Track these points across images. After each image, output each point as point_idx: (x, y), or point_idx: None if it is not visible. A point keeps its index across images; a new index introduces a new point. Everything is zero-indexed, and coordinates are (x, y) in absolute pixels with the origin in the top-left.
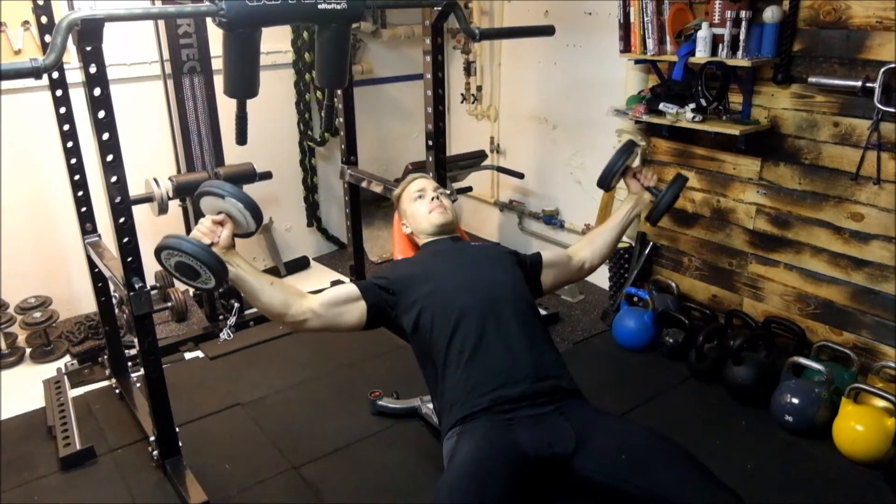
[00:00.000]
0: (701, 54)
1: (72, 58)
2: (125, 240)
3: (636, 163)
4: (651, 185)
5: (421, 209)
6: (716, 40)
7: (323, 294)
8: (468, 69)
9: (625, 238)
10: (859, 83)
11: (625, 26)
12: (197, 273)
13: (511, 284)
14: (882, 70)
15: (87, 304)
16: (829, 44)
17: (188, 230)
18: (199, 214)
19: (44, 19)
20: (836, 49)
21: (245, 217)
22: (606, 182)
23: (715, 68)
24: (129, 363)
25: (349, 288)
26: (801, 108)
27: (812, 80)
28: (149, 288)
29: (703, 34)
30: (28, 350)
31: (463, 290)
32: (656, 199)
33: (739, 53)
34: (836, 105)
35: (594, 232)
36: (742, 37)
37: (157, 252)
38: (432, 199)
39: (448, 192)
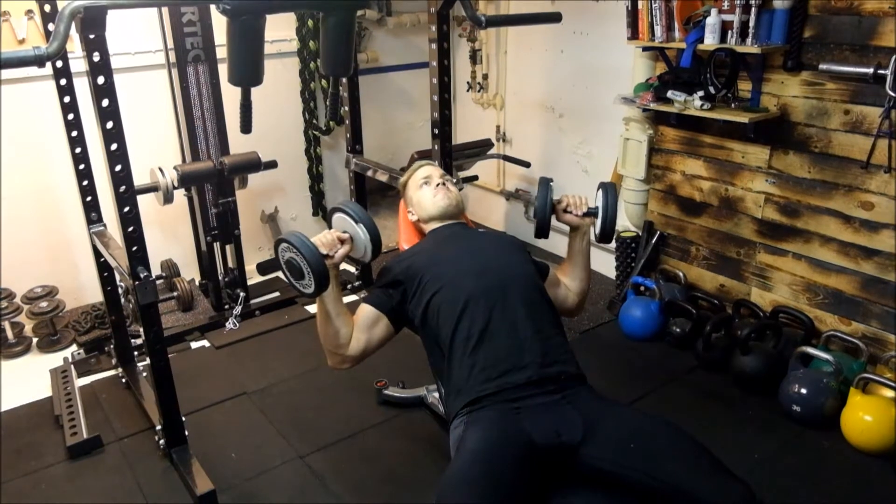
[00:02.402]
0: (710, 41)
1: (76, 46)
2: (130, 229)
3: (558, 199)
4: (585, 210)
5: (426, 195)
6: (725, 27)
7: (356, 328)
8: (474, 57)
9: (632, 227)
10: (871, 70)
11: (632, 13)
12: (302, 276)
13: (519, 269)
14: (894, 57)
15: (94, 293)
16: (841, 30)
17: (193, 220)
18: (204, 204)
19: (47, 7)
20: (848, 35)
21: (366, 247)
22: (545, 231)
23: (724, 55)
24: (136, 352)
25: (368, 309)
26: (811, 96)
27: (823, 67)
28: (154, 277)
29: (711, 21)
30: (35, 339)
31: (470, 276)
32: (597, 218)
33: (749, 40)
34: (846, 92)
35: (564, 272)
36: (752, 23)
37: (279, 242)
38: (437, 185)
39: (454, 180)
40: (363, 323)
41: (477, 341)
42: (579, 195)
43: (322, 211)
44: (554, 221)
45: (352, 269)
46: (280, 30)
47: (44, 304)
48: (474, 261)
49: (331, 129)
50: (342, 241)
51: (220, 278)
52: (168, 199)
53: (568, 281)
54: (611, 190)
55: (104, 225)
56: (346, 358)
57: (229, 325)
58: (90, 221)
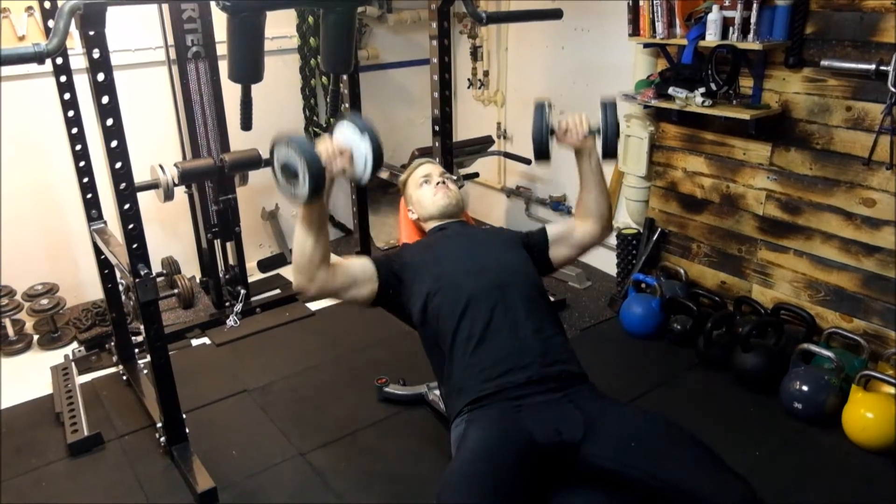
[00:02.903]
0: (711, 38)
1: (76, 43)
2: (130, 226)
3: (558, 120)
4: (586, 131)
5: (426, 193)
6: (726, 23)
7: (343, 261)
8: (475, 54)
9: (633, 224)
10: (873, 66)
11: (634, 9)
12: (295, 180)
13: (519, 269)
14: None
15: (94, 290)
16: (843, 26)
17: (194, 217)
18: (204, 201)
19: (47, 4)
20: (850, 32)
21: (366, 165)
22: (544, 153)
23: (725, 52)
24: (136, 350)
25: (366, 264)
26: (812, 92)
27: (824, 63)
28: (154, 275)
29: (713, 17)
30: (35, 337)
31: (470, 275)
32: (600, 136)
33: (750, 36)
34: (848, 89)
35: (580, 201)
36: (753, 19)
37: (278, 141)
38: (438, 183)
39: (455, 177)
40: (353, 270)
41: (478, 341)
42: (579, 114)
43: None
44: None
45: None
46: (280, 26)
47: (44, 301)
48: (474, 261)
49: (332, 126)
50: (342, 156)
51: (221, 275)
52: (168, 196)
53: (587, 211)
54: (610, 106)
55: (105, 222)
56: (312, 282)
57: (230, 322)
58: (90, 218)
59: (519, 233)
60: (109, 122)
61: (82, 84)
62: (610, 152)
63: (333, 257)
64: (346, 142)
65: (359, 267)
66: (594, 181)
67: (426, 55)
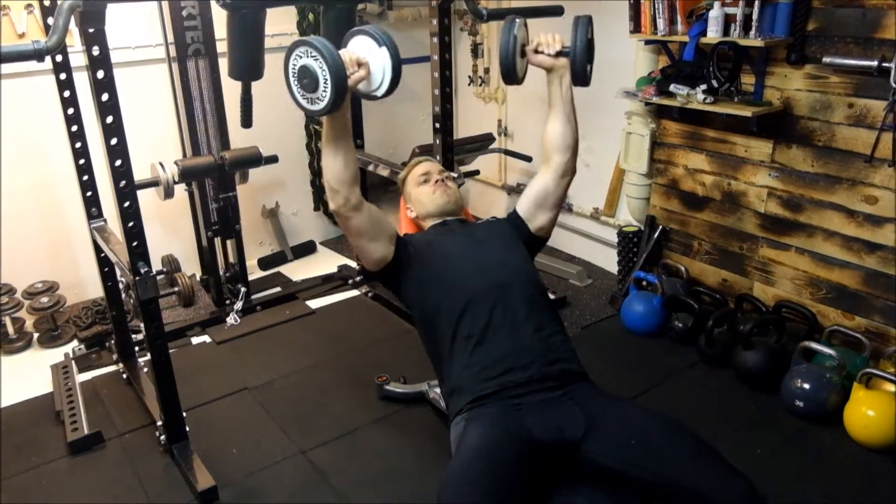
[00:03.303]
0: (712, 34)
1: (76, 41)
2: (130, 224)
3: (529, 38)
4: (558, 49)
5: (425, 191)
6: (728, 20)
7: (376, 209)
8: (475, 51)
9: (634, 222)
10: (875, 63)
11: (635, 6)
12: (315, 87)
13: (519, 268)
14: None
15: (94, 288)
16: (845, 23)
17: (194, 215)
18: (204, 199)
19: (46, 2)
20: (852, 28)
21: (384, 77)
22: (512, 73)
23: (727, 49)
24: (136, 348)
25: (392, 226)
26: (814, 89)
27: (826, 60)
28: (155, 273)
29: (714, 14)
30: (35, 335)
31: (470, 275)
32: (571, 56)
33: (752, 33)
34: (850, 86)
35: (545, 136)
36: (755, 16)
37: (297, 44)
38: (437, 181)
39: (455, 175)
40: (381, 219)
41: (478, 340)
42: (553, 34)
43: (324, 206)
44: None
45: (353, 263)
46: (280, 24)
47: (44, 299)
48: (474, 260)
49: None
50: (359, 67)
51: (221, 273)
52: (168, 194)
53: (553, 145)
54: (581, 21)
55: (105, 220)
56: (347, 202)
57: (230, 320)
58: (90, 216)
59: (509, 220)
60: (109, 119)
61: (82, 81)
62: (578, 73)
63: (378, 211)
64: (364, 55)
65: (386, 222)
66: (562, 108)
67: (427, 52)
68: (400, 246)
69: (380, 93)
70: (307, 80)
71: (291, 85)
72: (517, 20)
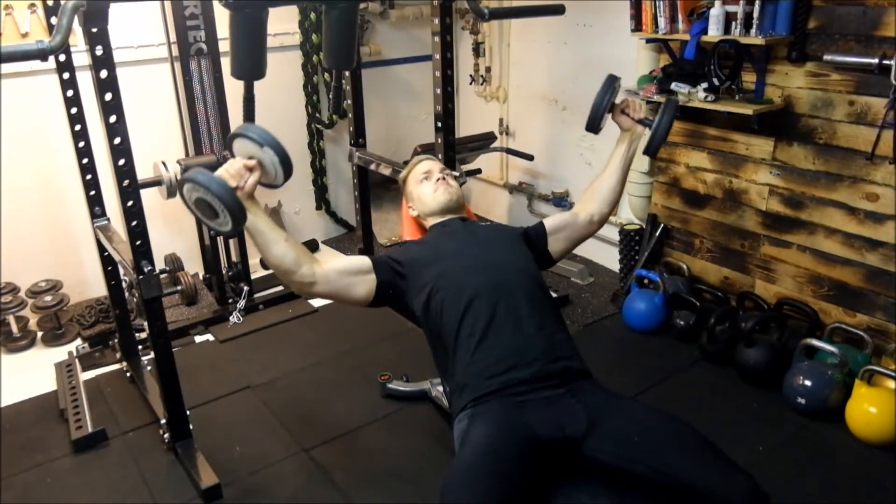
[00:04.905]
0: (713, 32)
1: (79, 40)
2: (134, 223)
3: (619, 98)
4: (642, 116)
5: (426, 190)
6: (729, 18)
7: (336, 261)
8: (477, 50)
9: (635, 220)
10: (876, 61)
11: (636, 4)
12: (216, 214)
13: (521, 265)
14: None
15: (98, 287)
16: (845, 21)
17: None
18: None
19: (50, 1)
20: (853, 26)
21: (276, 170)
22: (596, 124)
23: (728, 47)
24: (140, 346)
25: (363, 261)
26: (815, 87)
27: (827, 57)
28: (158, 271)
29: (715, 12)
30: (39, 333)
31: (473, 272)
32: (651, 129)
33: (753, 31)
34: (851, 83)
35: (596, 182)
36: (756, 14)
37: (182, 183)
38: (438, 179)
39: (456, 173)
40: (348, 268)
41: (480, 338)
42: (642, 101)
43: (326, 204)
44: None
45: None
46: (283, 23)
47: (48, 298)
48: (476, 258)
49: (334, 123)
50: (250, 169)
51: (224, 272)
52: (171, 192)
53: (599, 194)
54: (670, 105)
55: (108, 219)
56: (304, 284)
57: (233, 318)
58: (94, 216)
59: (519, 228)
60: (112, 118)
61: (85, 81)
62: (654, 147)
63: (336, 262)
64: (250, 155)
65: (354, 264)
66: (620, 168)
67: (428, 51)
68: (382, 270)
69: (278, 182)
70: (206, 210)
71: (198, 215)
72: (618, 80)
